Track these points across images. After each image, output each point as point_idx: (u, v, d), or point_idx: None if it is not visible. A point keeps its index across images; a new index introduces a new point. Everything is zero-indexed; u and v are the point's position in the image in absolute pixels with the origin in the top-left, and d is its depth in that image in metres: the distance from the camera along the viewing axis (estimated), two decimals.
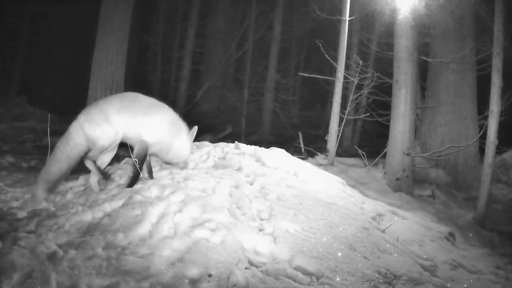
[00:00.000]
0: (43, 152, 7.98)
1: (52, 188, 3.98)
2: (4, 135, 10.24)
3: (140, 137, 3.91)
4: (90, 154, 3.90)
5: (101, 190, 3.96)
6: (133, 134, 3.92)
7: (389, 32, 7.79)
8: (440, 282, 2.91)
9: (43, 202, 3.85)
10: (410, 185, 6.35)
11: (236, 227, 2.91)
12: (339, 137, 6.74)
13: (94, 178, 4.02)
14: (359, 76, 7.28)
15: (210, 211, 3.04)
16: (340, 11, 6.68)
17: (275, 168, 4.40)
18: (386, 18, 6.71)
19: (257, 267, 2.57)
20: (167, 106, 4.13)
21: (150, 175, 4.15)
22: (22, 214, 3.58)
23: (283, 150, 5.06)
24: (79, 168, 6.82)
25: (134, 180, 3.87)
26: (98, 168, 3.97)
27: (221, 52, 15.17)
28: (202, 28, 15.30)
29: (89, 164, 3.95)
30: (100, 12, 8.05)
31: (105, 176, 4.03)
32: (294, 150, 7.72)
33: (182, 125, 4.11)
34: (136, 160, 3.87)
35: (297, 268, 2.58)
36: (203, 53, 15.70)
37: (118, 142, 3.98)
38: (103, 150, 3.93)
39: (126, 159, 4.85)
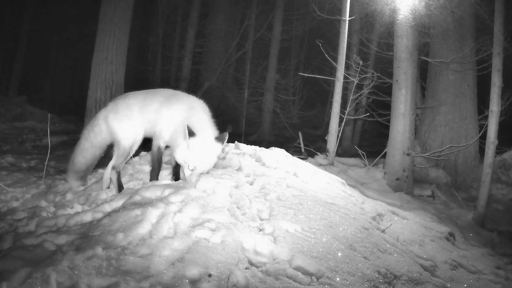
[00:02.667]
0: (43, 152, 7.99)
1: (83, 177, 3.96)
2: (4, 135, 10.25)
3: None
4: (116, 163, 3.74)
5: (107, 188, 3.93)
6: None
7: (389, 32, 7.79)
8: (440, 282, 2.91)
9: (79, 189, 3.90)
10: (410, 185, 6.35)
11: (236, 227, 2.91)
12: (339, 137, 6.74)
13: (107, 175, 3.91)
14: (359, 76, 7.28)
15: (210, 211, 3.04)
16: (340, 11, 6.67)
17: (275, 168, 4.40)
18: (386, 18, 6.71)
19: (257, 267, 2.57)
20: (184, 97, 3.77)
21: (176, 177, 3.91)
22: (22, 214, 3.58)
23: (283, 150, 5.06)
24: None
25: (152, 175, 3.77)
26: (119, 182, 3.79)
27: (221, 52, 15.17)
28: (202, 28, 15.30)
29: (113, 175, 3.77)
30: (100, 12, 8.06)
31: (121, 189, 3.76)
32: (294, 150, 7.72)
33: (198, 121, 3.46)
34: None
35: (297, 268, 2.58)
36: (203, 53, 15.70)
37: (139, 141, 3.82)
38: (127, 155, 3.74)
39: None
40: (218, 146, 3.45)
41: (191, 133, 3.27)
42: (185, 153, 3.32)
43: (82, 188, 3.91)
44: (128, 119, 3.67)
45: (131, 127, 3.69)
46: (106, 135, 3.79)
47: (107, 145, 3.88)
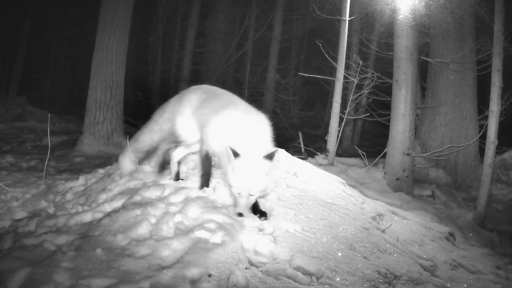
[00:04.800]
0: (43, 152, 7.98)
1: (140, 159, 3.69)
2: (4, 135, 10.24)
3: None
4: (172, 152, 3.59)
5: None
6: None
7: (389, 32, 7.78)
8: (440, 282, 2.91)
9: (128, 173, 3.65)
10: (410, 185, 6.35)
11: (236, 227, 2.91)
12: (339, 137, 6.74)
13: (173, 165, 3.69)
14: (359, 76, 7.28)
15: (210, 211, 3.04)
16: (340, 11, 6.67)
17: (275, 168, 4.39)
18: (386, 18, 6.70)
19: (257, 267, 2.57)
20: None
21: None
22: (22, 214, 3.58)
23: (283, 150, 5.05)
24: (78, 168, 6.81)
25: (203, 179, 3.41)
26: (177, 170, 3.58)
27: (221, 52, 15.17)
28: (202, 28, 15.29)
29: (173, 160, 3.56)
30: (100, 12, 8.06)
31: (177, 177, 3.59)
32: (294, 150, 7.72)
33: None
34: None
35: (297, 268, 2.58)
36: (203, 53, 15.70)
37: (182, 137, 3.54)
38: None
39: None
40: (265, 165, 2.85)
41: (235, 154, 2.78)
42: (230, 177, 2.86)
43: (131, 171, 3.63)
44: (186, 113, 3.45)
45: (185, 123, 3.48)
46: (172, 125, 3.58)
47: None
